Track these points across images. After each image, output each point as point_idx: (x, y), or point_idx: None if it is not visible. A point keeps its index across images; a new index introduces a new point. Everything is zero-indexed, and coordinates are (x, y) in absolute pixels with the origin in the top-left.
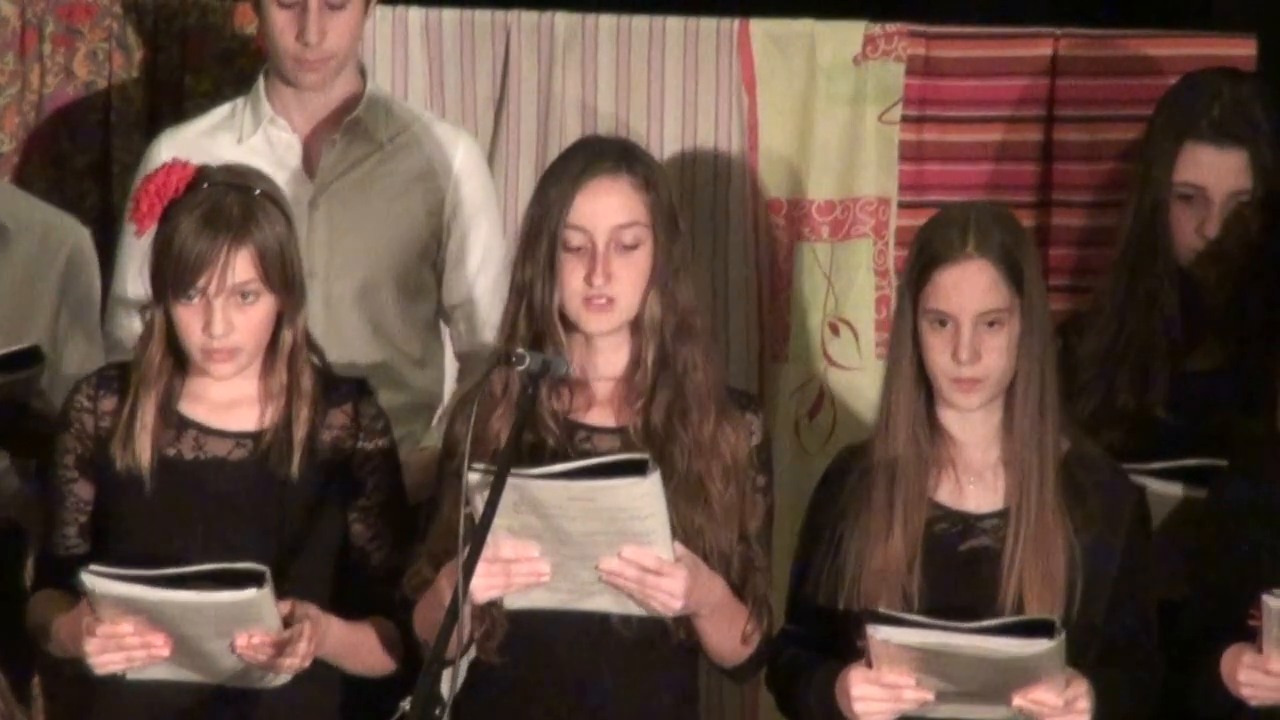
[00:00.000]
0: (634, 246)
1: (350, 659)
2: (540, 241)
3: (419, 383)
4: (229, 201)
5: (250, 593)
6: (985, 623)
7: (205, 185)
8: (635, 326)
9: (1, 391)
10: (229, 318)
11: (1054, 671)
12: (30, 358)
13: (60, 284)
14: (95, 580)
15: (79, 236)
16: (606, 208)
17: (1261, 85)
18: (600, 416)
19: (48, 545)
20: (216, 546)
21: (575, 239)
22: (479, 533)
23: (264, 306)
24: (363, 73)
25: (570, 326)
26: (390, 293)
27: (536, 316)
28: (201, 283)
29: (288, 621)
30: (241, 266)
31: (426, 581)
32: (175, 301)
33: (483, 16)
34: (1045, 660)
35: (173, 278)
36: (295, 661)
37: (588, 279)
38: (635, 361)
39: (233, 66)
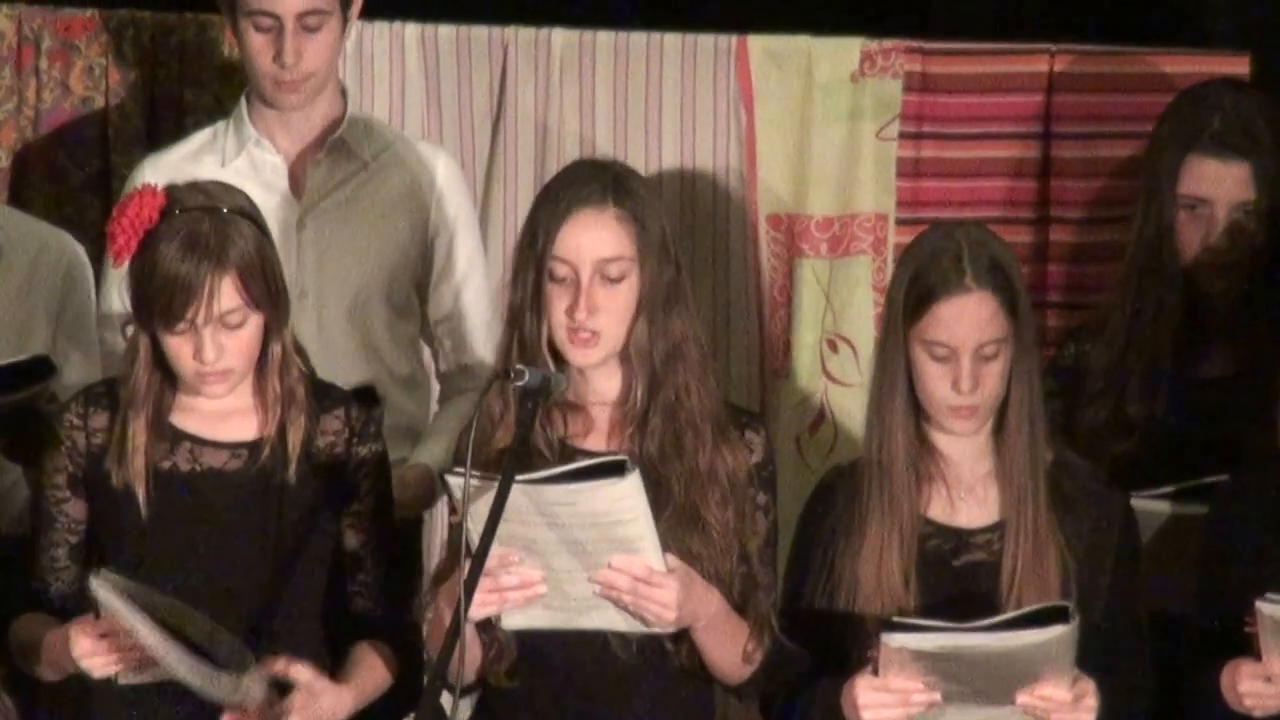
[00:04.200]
0: (619, 279)
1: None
2: (528, 270)
3: (406, 405)
4: (205, 229)
5: (234, 679)
6: (999, 618)
7: (178, 212)
8: (625, 354)
9: (16, 404)
10: (219, 343)
11: (1063, 662)
12: (41, 368)
13: (57, 299)
14: (103, 589)
15: (74, 252)
16: (591, 241)
17: (1262, 96)
18: (596, 442)
19: (35, 568)
20: (214, 557)
21: (560, 270)
22: (480, 548)
23: (252, 326)
24: (344, 93)
25: (560, 355)
26: (381, 311)
27: (527, 345)
28: (189, 314)
29: (282, 686)
30: (226, 294)
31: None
32: (163, 331)
33: (480, 32)
34: (1058, 648)
35: (159, 310)
36: None
37: (570, 312)
38: (628, 388)
39: (231, 82)
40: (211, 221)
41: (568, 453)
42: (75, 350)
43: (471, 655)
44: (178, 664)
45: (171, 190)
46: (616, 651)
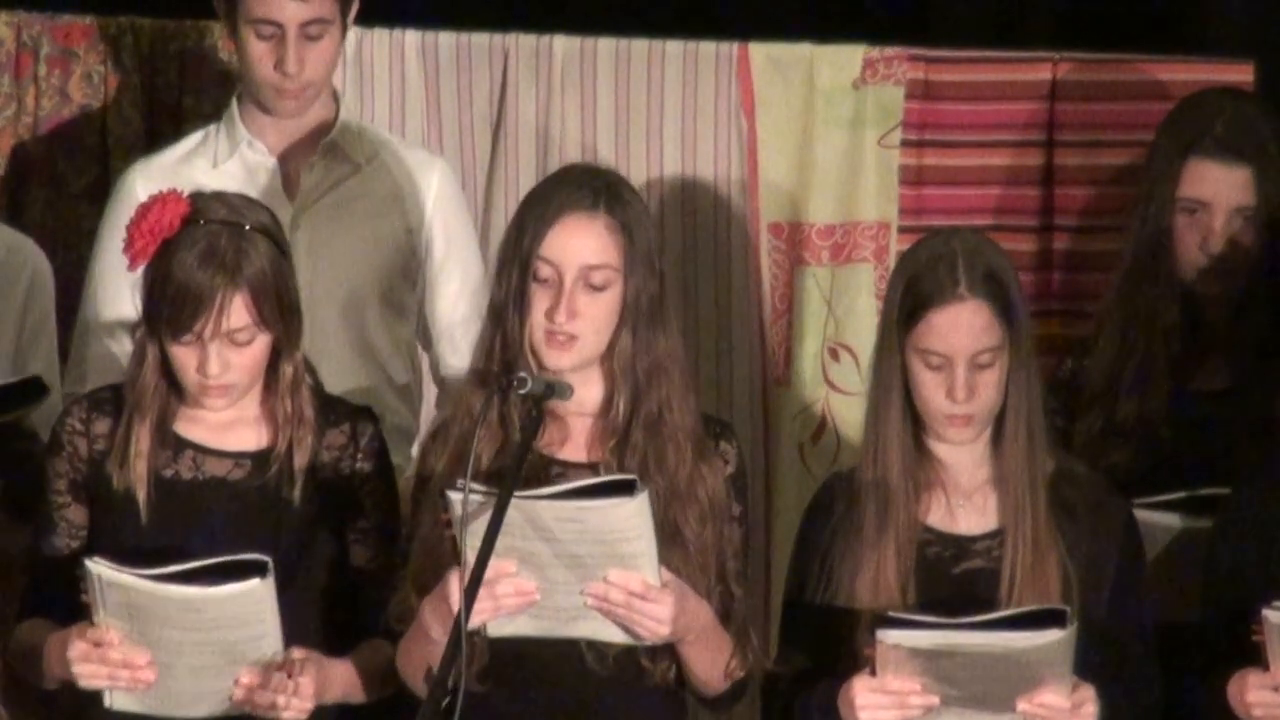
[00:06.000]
0: (602, 288)
1: (351, 696)
2: (512, 267)
3: (400, 409)
4: (224, 244)
5: (253, 583)
6: (996, 615)
7: (200, 223)
8: (607, 366)
9: (4, 424)
10: (224, 358)
11: (1062, 668)
12: (34, 389)
13: (23, 303)
14: (100, 569)
15: (38, 258)
16: (579, 246)
17: (1265, 104)
18: (574, 452)
19: (36, 572)
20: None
21: (544, 271)
22: (479, 560)
23: (259, 345)
24: (335, 96)
25: (538, 356)
26: (375, 312)
27: (508, 343)
28: (197, 327)
29: (289, 670)
30: (236, 312)
31: (411, 610)
32: (169, 340)
33: (480, 39)
34: (1056, 652)
35: (168, 319)
36: (300, 704)
37: (549, 314)
38: (609, 400)
39: (229, 88)
40: (230, 236)
41: (544, 462)
42: (40, 351)
43: (438, 656)
44: (199, 597)
45: (196, 199)
46: (591, 665)
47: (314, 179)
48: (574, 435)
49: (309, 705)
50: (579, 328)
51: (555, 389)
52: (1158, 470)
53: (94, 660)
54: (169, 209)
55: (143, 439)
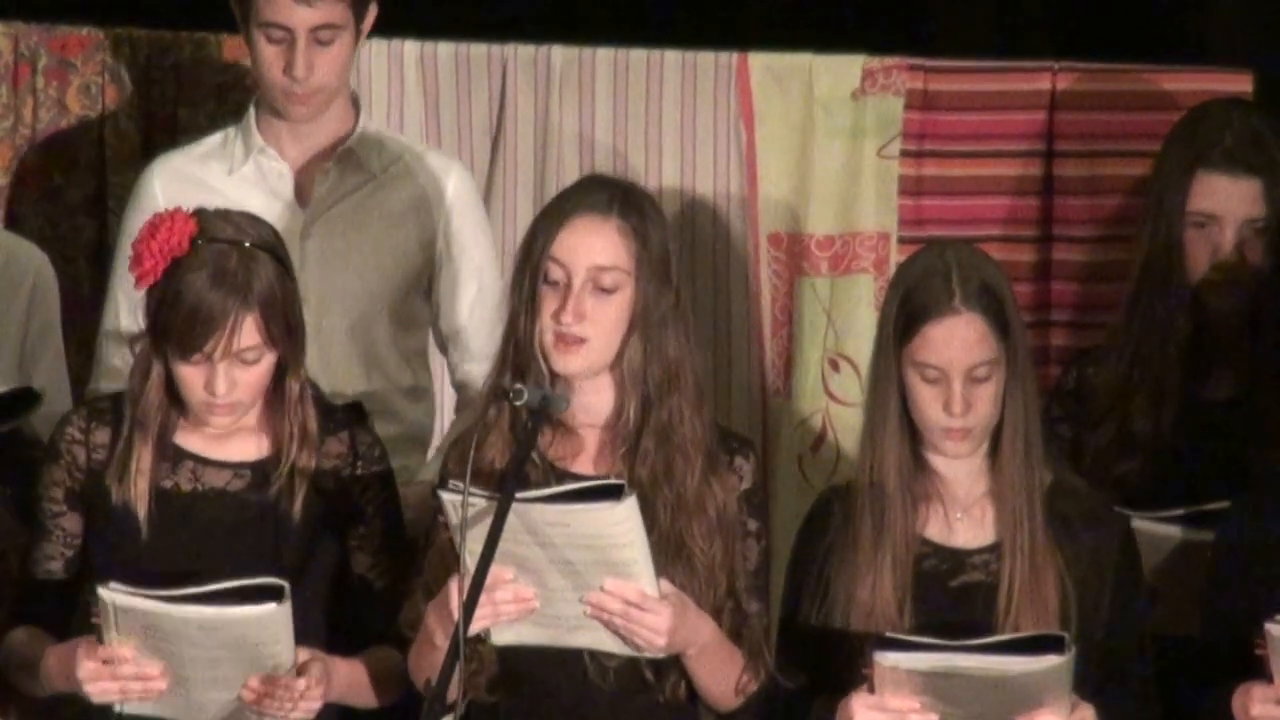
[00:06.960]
0: (612, 291)
1: (356, 697)
2: (525, 272)
3: (411, 414)
4: (233, 264)
5: (270, 608)
6: (995, 639)
7: (207, 241)
8: (617, 373)
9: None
10: (231, 377)
11: (1061, 691)
12: (26, 399)
13: (27, 308)
14: (115, 595)
15: (41, 263)
16: (588, 247)
17: (1272, 115)
18: (584, 464)
19: (28, 580)
20: (214, 577)
21: (554, 272)
22: (480, 566)
23: (266, 363)
24: (356, 104)
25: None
26: (384, 325)
27: (521, 348)
28: (208, 347)
29: (298, 670)
30: (246, 332)
31: (422, 616)
32: (177, 359)
33: (479, 50)
34: (1054, 677)
35: (177, 338)
36: (307, 704)
37: (557, 315)
38: (619, 409)
39: (226, 100)
40: (239, 256)
41: (556, 474)
42: (45, 355)
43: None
44: (215, 618)
45: (202, 217)
46: (593, 677)
47: (327, 187)
48: (586, 447)
49: (315, 706)
50: (586, 330)
51: (550, 401)
52: (1167, 480)
53: (105, 678)
54: (177, 228)
55: (144, 457)
